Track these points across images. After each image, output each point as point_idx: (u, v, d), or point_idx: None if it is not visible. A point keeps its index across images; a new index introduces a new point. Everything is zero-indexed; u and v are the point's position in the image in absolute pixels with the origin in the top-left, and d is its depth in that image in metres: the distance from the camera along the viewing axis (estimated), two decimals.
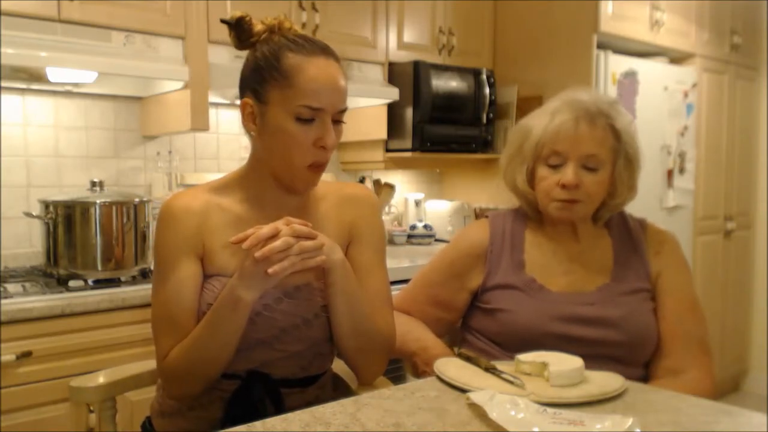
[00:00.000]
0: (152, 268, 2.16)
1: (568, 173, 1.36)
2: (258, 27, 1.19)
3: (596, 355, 1.28)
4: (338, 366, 1.33)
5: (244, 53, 1.24)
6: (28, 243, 2.32)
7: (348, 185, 1.37)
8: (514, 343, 1.36)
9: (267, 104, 1.16)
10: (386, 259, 1.34)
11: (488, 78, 3.06)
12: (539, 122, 1.42)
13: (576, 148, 1.37)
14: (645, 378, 1.37)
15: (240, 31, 1.19)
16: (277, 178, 1.21)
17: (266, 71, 1.15)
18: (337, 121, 1.18)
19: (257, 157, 1.24)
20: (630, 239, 1.47)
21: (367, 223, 1.30)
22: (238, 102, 2.62)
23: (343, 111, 1.19)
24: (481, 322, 1.46)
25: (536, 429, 0.90)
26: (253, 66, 1.18)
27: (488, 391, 1.01)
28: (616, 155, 1.40)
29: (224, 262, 1.19)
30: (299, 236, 1.10)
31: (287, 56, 1.15)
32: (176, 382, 1.19)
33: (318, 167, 1.19)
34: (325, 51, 1.18)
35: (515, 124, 1.49)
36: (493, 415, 0.93)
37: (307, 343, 1.21)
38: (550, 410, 0.97)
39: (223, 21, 1.20)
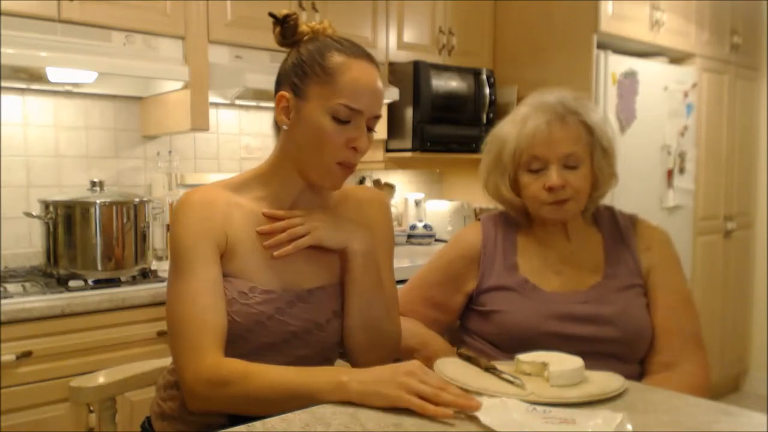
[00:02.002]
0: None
1: (552, 176, 1.37)
2: (303, 27, 1.21)
3: (592, 353, 1.29)
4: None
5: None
6: (28, 243, 2.32)
7: (362, 189, 1.38)
8: (510, 343, 1.36)
9: (305, 99, 1.16)
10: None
11: (488, 78, 3.06)
12: (511, 130, 1.43)
13: (554, 150, 1.38)
14: (641, 374, 1.38)
15: (285, 28, 1.20)
16: (303, 173, 1.20)
17: (309, 67, 1.16)
18: (370, 128, 1.19)
19: (283, 154, 1.22)
20: (620, 236, 1.48)
21: (382, 227, 1.32)
22: (238, 101, 2.62)
23: (378, 117, 1.19)
24: (477, 324, 1.46)
25: (527, 431, 0.90)
26: (296, 62, 1.19)
27: (479, 397, 1.00)
28: (593, 149, 1.41)
29: (240, 262, 1.17)
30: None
31: (333, 54, 1.16)
32: (214, 393, 1.06)
33: (347, 167, 1.18)
34: (368, 56, 1.19)
35: (494, 130, 1.49)
36: (487, 420, 0.93)
37: (317, 348, 1.21)
38: (539, 408, 0.97)
39: (271, 15, 1.20)
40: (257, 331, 1.15)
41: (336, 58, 1.15)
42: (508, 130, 1.44)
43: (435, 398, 0.94)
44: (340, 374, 1.01)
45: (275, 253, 1.17)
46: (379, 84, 1.18)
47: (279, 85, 1.21)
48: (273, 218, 1.21)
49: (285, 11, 1.20)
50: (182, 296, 1.11)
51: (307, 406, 0.98)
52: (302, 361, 1.19)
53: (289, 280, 1.19)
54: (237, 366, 1.07)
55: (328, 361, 1.26)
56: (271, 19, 1.22)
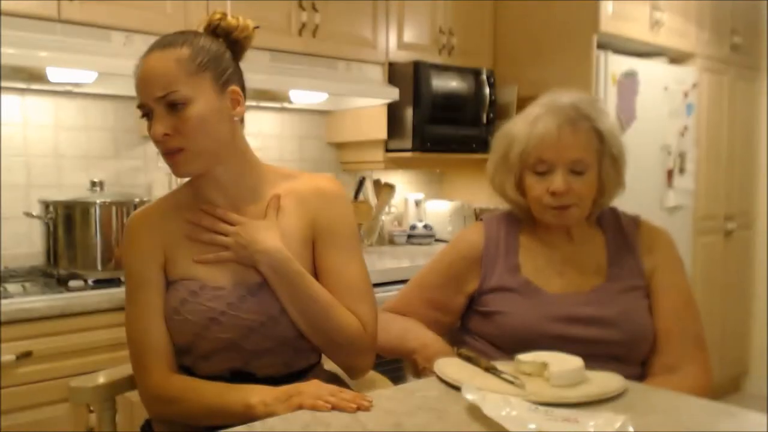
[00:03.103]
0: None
1: (557, 180, 1.36)
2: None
3: (594, 355, 1.28)
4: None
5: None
6: (28, 243, 2.31)
7: (314, 178, 1.32)
8: (511, 345, 1.36)
9: None
10: (361, 251, 1.30)
11: (488, 78, 3.06)
12: (522, 130, 1.41)
13: (561, 155, 1.36)
14: (641, 376, 1.38)
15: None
16: None
17: None
18: (173, 104, 1.14)
19: None
20: (623, 237, 1.47)
21: (332, 218, 1.26)
22: None
23: (170, 96, 1.14)
24: (478, 325, 1.46)
25: (533, 426, 0.90)
26: None
27: (480, 392, 1.00)
28: (601, 156, 1.39)
29: (187, 265, 1.20)
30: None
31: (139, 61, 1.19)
32: (157, 411, 1.20)
33: (170, 155, 1.16)
34: (156, 44, 1.18)
35: (504, 128, 1.48)
36: (490, 413, 0.93)
37: (278, 340, 1.20)
38: (541, 408, 0.97)
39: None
40: (212, 328, 1.16)
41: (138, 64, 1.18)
42: (518, 129, 1.42)
43: (339, 402, 1.02)
44: (251, 396, 1.08)
45: (194, 259, 1.20)
46: (154, 66, 1.15)
47: None
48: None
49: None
50: (128, 320, 1.21)
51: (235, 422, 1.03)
52: (271, 354, 1.20)
53: (238, 276, 1.20)
54: (179, 384, 1.15)
55: (302, 351, 1.24)
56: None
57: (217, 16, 1.23)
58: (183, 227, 1.22)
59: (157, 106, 1.14)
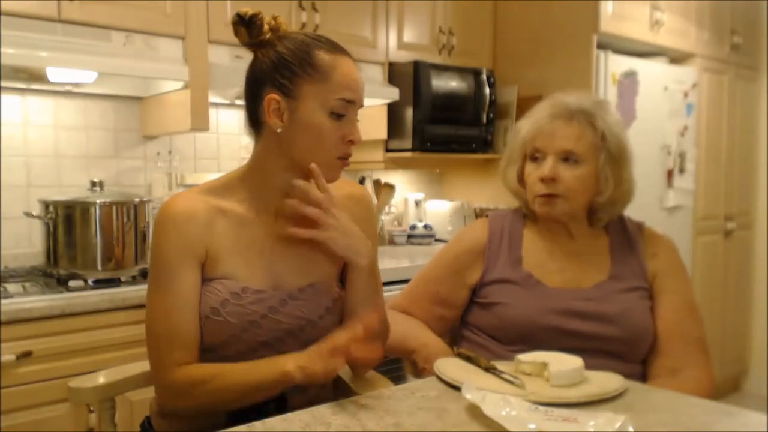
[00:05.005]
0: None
1: (545, 167, 1.41)
2: (265, 26, 1.20)
3: (592, 350, 1.29)
4: None
5: (245, 53, 1.24)
6: (28, 243, 2.32)
7: (346, 184, 1.36)
8: (511, 336, 1.38)
9: (298, 99, 1.16)
10: (381, 258, 1.37)
11: (488, 78, 3.06)
12: (525, 122, 1.48)
13: (552, 144, 1.42)
14: (642, 375, 1.39)
15: (252, 28, 1.19)
16: (303, 170, 1.20)
17: (297, 67, 1.16)
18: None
19: (266, 154, 1.22)
20: (627, 240, 1.49)
21: (364, 224, 1.30)
22: (238, 101, 2.60)
23: (361, 107, 1.25)
24: (478, 317, 1.47)
25: (533, 426, 0.90)
26: (277, 62, 1.17)
27: (480, 392, 1.01)
28: (598, 152, 1.42)
29: (228, 265, 1.19)
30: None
31: (319, 53, 1.17)
32: (182, 400, 1.16)
33: (346, 160, 1.23)
34: (345, 50, 1.23)
35: (515, 124, 1.53)
36: (490, 413, 0.93)
37: (310, 344, 1.20)
38: (541, 408, 0.98)
39: (237, 15, 1.19)
40: (251, 331, 1.16)
41: (324, 56, 1.17)
42: (522, 123, 1.50)
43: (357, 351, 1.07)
44: (285, 364, 1.08)
45: (290, 230, 1.18)
46: (359, 77, 1.23)
47: (260, 86, 1.19)
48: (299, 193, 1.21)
49: (251, 11, 1.18)
50: (156, 310, 1.17)
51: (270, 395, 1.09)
52: None
53: (279, 280, 1.21)
54: (206, 368, 1.14)
55: None
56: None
57: (285, 24, 1.24)
58: (233, 226, 1.20)
59: (356, 110, 1.23)
